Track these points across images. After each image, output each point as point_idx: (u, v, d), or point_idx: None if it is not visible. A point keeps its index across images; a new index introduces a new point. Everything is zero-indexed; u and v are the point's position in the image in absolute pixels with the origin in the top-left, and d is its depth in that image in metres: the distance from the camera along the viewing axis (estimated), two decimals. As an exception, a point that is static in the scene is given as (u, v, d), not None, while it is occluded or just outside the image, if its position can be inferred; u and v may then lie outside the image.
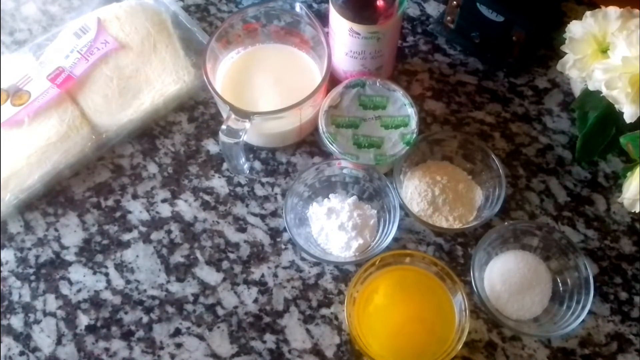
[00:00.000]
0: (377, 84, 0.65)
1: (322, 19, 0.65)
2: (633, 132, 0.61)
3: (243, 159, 0.63)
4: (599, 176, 0.68)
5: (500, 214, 0.64)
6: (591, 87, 0.61)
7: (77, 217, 0.66)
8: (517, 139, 0.70)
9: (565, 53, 0.64)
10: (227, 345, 0.60)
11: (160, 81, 0.68)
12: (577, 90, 0.68)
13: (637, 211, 0.62)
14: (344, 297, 0.61)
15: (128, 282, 0.63)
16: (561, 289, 0.61)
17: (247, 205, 0.66)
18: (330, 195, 0.65)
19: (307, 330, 0.61)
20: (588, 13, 0.62)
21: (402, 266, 0.60)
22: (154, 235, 0.65)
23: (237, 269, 0.63)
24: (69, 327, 0.61)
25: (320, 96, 0.64)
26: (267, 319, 0.61)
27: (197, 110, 0.71)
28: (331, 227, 0.62)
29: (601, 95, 0.59)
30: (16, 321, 0.61)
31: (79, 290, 0.63)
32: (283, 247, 0.64)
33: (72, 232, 0.65)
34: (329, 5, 0.62)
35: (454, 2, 0.70)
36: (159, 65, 0.69)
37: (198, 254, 0.64)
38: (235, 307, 0.62)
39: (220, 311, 0.62)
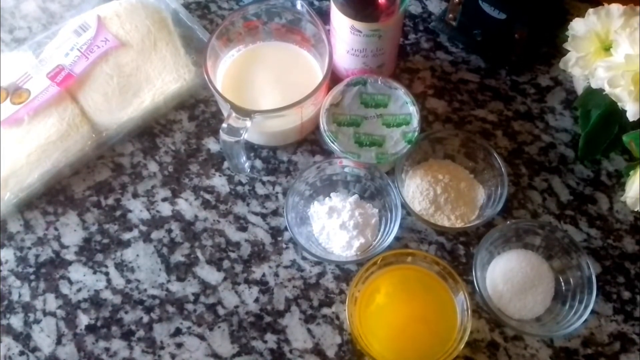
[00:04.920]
0: (379, 82, 0.65)
1: (324, 16, 0.65)
2: (636, 130, 0.60)
3: (244, 158, 0.63)
4: (602, 175, 0.68)
5: (502, 212, 0.64)
6: (594, 85, 0.60)
7: (77, 216, 0.65)
8: (519, 137, 0.69)
9: (568, 51, 0.63)
10: (228, 345, 0.60)
11: (161, 79, 0.68)
12: (579, 88, 0.68)
13: (640, 210, 0.62)
14: (345, 297, 0.61)
15: (128, 281, 0.63)
16: (564, 288, 0.61)
17: (248, 204, 0.66)
18: (332, 194, 0.64)
19: (309, 330, 0.61)
20: (591, 10, 0.62)
21: (403, 265, 0.60)
22: (155, 235, 0.65)
23: (238, 268, 0.63)
24: (69, 326, 0.61)
25: (321, 94, 0.63)
26: (268, 319, 0.61)
27: (198, 109, 0.71)
28: (332, 226, 0.62)
29: (604, 93, 0.59)
30: (16, 321, 0.61)
31: (79, 290, 0.62)
32: (284, 246, 0.64)
33: (72, 231, 0.65)
34: (330, 2, 0.61)
35: (456, 0, 0.69)
36: (160, 63, 0.69)
37: (199, 253, 0.64)
38: (236, 306, 0.62)
39: (221, 311, 0.61)
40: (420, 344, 0.57)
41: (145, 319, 0.61)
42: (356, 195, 0.64)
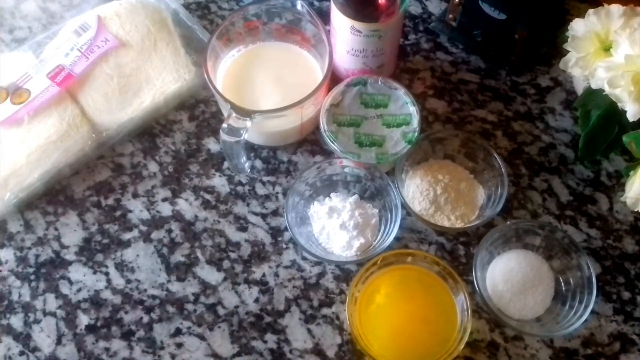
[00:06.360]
0: (379, 83, 0.65)
1: (324, 16, 0.65)
2: (636, 131, 0.60)
3: (244, 158, 0.63)
4: (602, 175, 0.68)
5: (502, 213, 0.64)
6: (594, 86, 0.60)
7: (77, 216, 0.65)
8: (519, 138, 0.69)
9: (568, 51, 0.63)
10: (228, 345, 0.60)
11: (161, 79, 0.68)
12: (579, 89, 0.68)
13: (640, 210, 0.62)
14: (345, 297, 0.61)
15: (128, 281, 0.63)
16: (564, 288, 0.61)
17: (248, 205, 0.66)
18: (332, 194, 0.64)
19: (309, 330, 0.61)
20: (591, 11, 0.62)
21: (403, 265, 0.60)
22: (155, 235, 0.65)
23: (238, 268, 0.63)
24: (69, 326, 0.61)
25: (321, 95, 0.63)
26: (268, 319, 0.61)
27: (198, 109, 0.71)
28: (332, 226, 0.62)
29: (604, 93, 0.59)
30: (16, 321, 0.61)
31: (79, 290, 0.62)
32: (284, 246, 0.64)
33: (72, 231, 0.65)
34: (330, 3, 0.61)
35: (456, 0, 0.69)
36: (160, 63, 0.69)
37: (199, 253, 0.64)
38: (236, 306, 0.62)
39: (221, 311, 0.61)
40: (420, 344, 0.57)
41: (145, 319, 0.61)
42: (356, 196, 0.64)
